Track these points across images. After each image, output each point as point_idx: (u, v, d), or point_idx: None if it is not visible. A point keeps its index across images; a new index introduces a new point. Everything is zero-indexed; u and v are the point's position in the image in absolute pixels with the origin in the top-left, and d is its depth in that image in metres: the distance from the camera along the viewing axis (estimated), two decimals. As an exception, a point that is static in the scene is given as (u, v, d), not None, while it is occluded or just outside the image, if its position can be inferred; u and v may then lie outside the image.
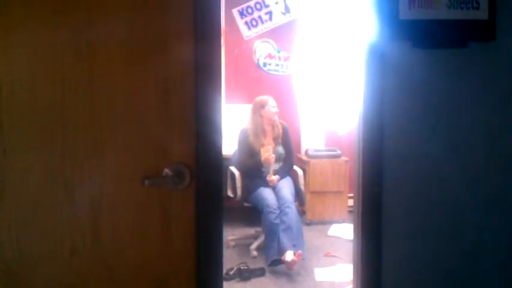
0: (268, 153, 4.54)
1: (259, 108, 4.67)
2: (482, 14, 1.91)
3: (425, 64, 1.95)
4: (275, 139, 4.70)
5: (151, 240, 1.79)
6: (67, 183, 1.73)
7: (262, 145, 4.61)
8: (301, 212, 5.17)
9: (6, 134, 1.70)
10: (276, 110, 4.69)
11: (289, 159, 4.82)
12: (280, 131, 4.75)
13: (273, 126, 4.72)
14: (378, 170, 1.96)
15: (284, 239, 4.21)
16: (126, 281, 1.80)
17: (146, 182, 1.72)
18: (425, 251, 2.00)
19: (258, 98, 4.75)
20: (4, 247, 1.72)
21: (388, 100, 1.94)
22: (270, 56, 5.98)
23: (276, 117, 4.74)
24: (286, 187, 4.55)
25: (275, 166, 4.66)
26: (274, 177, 4.58)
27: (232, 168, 4.83)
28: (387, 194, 1.97)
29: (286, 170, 4.76)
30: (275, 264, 4.23)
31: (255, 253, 4.60)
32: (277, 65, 6.01)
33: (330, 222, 5.60)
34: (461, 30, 1.93)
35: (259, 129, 4.66)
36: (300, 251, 4.15)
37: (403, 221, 1.99)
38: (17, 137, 1.71)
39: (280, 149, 4.72)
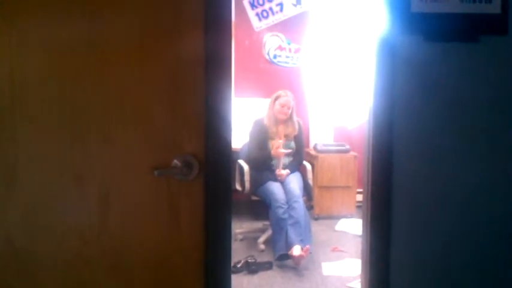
0: (278, 146, 4.54)
1: (274, 100, 4.68)
2: (494, 8, 1.89)
3: (436, 58, 1.93)
4: (286, 136, 4.68)
5: (160, 231, 1.80)
6: (77, 173, 1.75)
7: (277, 133, 4.61)
8: (309, 207, 5.17)
9: (18, 124, 1.72)
10: (284, 109, 4.63)
11: (299, 155, 4.81)
12: (296, 127, 4.73)
13: (287, 121, 4.69)
14: (388, 165, 1.95)
15: (292, 233, 4.21)
16: (134, 270, 1.81)
17: (155, 172, 1.72)
18: (434, 246, 1.99)
19: (278, 92, 4.71)
20: (14, 234, 1.74)
21: (398, 94, 1.93)
22: (280, 47, 5.96)
23: (294, 116, 4.74)
24: (294, 182, 4.54)
25: (285, 160, 4.65)
26: (284, 172, 4.58)
27: (241, 162, 4.83)
28: (397, 190, 1.96)
29: (295, 165, 4.76)
30: (282, 259, 4.24)
31: (262, 246, 4.61)
32: (287, 56, 5.99)
33: (338, 217, 5.60)
34: (473, 24, 1.91)
35: (276, 119, 4.65)
36: (307, 246, 4.15)
37: (413, 217, 1.98)
38: (29, 127, 1.73)
39: (292, 144, 4.72)
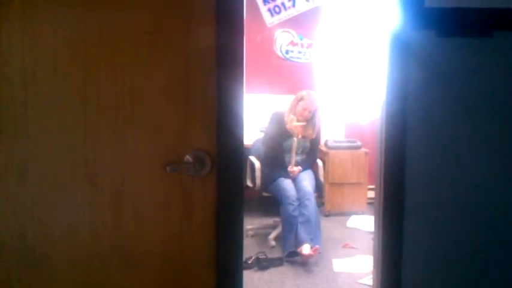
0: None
1: (297, 101, 4.66)
2: (509, 2, 1.87)
3: (449, 53, 1.91)
4: (304, 137, 4.66)
5: (172, 227, 1.80)
6: (89, 169, 1.75)
7: (295, 127, 4.61)
8: (320, 203, 5.16)
9: (29, 120, 1.72)
10: (305, 113, 4.60)
11: (313, 153, 4.80)
12: (316, 130, 4.71)
13: (307, 123, 4.66)
14: (400, 161, 1.94)
15: (302, 231, 4.21)
16: (146, 267, 1.81)
17: (167, 168, 1.72)
18: (447, 243, 1.98)
19: (303, 93, 4.70)
20: (26, 228, 1.75)
21: (411, 90, 1.92)
22: (292, 43, 5.95)
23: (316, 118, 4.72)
24: (307, 179, 4.53)
25: (298, 158, 4.64)
26: (296, 169, 4.56)
27: (252, 158, 4.82)
28: (409, 186, 1.95)
29: (308, 163, 4.75)
30: (291, 256, 4.24)
31: (273, 243, 4.61)
32: (299, 52, 5.97)
33: (349, 214, 5.59)
34: (487, 19, 1.89)
35: (295, 117, 4.64)
36: (317, 246, 4.15)
37: (426, 213, 1.97)
38: (40, 123, 1.73)
39: (306, 143, 4.71)
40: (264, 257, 4.18)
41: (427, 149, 1.95)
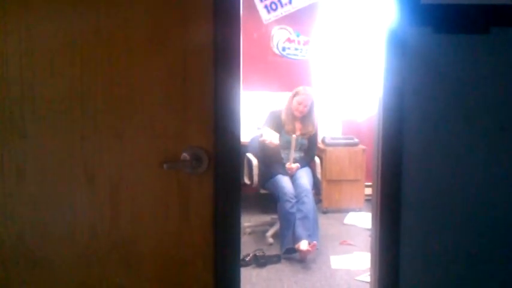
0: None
1: (292, 96, 4.66)
2: (506, -1, 1.87)
3: (446, 50, 1.91)
4: (303, 134, 4.67)
5: (170, 225, 1.79)
6: (86, 168, 1.75)
7: (293, 130, 4.61)
8: (318, 200, 5.16)
9: (27, 119, 1.72)
10: (300, 107, 4.61)
11: (311, 151, 4.80)
12: (315, 127, 4.72)
13: (305, 119, 4.67)
14: (398, 157, 1.94)
15: (299, 228, 4.21)
16: (145, 264, 1.81)
17: (165, 165, 1.72)
18: (444, 240, 1.98)
19: (298, 88, 4.71)
20: (24, 228, 1.75)
21: (408, 86, 1.92)
22: (289, 40, 5.94)
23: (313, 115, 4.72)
24: (304, 176, 4.53)
25: (295, 155, 4.64)
26: (294, 165, 4.56)
27: (249, 155, 4.82)
28: (407, 183, 1.95)
29: (306, 160, 4.75)
30: (289, 252, 4.25)
31: (270, 240, 4.61)
32: (296, 49, 5.97)
33: (347, 211, 5.60)
34: (483, 15, 1.89)
35: (293, 115, 4.64)
36: (314, 242, 4.15)
37: (423, 210, 1.97)
38: (38, 122, 1.73)
39: (304, 141, 4.71)
40: (261, 254, 4.18)
41: (424, 145, 1.95)
